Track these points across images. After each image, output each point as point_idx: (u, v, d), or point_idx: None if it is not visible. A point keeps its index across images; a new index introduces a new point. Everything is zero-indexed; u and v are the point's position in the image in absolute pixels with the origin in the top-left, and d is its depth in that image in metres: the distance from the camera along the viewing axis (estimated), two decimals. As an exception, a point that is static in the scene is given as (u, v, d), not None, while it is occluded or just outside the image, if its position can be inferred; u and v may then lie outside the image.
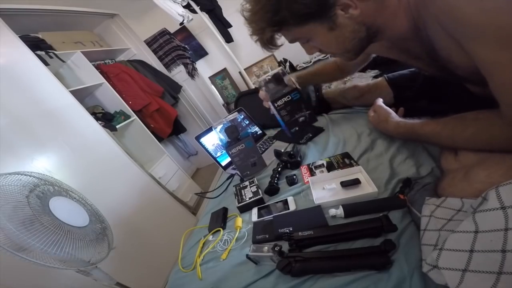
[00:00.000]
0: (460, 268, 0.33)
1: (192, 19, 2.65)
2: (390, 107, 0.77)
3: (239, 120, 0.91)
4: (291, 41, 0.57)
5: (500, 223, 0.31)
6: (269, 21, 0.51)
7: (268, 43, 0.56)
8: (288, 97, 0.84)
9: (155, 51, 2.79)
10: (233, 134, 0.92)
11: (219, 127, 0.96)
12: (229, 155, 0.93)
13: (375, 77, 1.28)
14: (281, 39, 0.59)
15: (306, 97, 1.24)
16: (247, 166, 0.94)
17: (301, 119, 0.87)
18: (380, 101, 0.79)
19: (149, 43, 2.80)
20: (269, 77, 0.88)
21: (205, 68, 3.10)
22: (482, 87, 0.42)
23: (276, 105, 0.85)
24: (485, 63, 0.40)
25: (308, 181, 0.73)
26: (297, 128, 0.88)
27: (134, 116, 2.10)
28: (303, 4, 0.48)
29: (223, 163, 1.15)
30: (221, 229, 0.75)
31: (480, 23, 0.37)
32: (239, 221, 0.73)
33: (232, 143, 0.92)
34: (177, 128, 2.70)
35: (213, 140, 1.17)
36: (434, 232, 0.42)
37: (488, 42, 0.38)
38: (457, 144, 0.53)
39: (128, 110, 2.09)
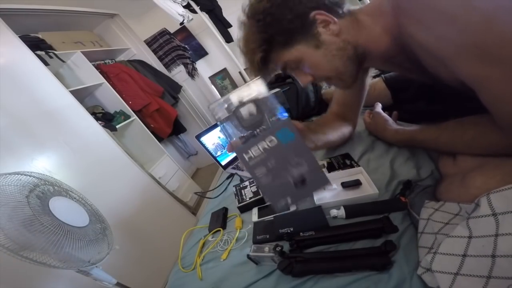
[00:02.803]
0: (452, 272, 0.33)
1: (192, 19, 2.65)
2: (389, 108, 0.77)
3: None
4: (283, 67, 0.57)
5: (491, 229, 0.32)
6: (258, 42, 0.52)
7: (261, 64, 0.55)
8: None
9: (155, 51, 2.79)
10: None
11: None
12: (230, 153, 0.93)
13: (374, 77, 1.28)
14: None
15: (305, 98, 1.25)
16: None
17: None
18: (378, 108, 0.79)
19: (149, 43, 2.80)
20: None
21: (205, 68, 3.10)
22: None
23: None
24: (471, 80, 0.40)
25: (308, 182, 0.73)
26: None
27: (134, 116, 2.10)
28: (287, 20, 0.50)
29: (223, 163, 1.15)
30: (221, 229, 0.75)
31: (458, 43, 0.37)
32: (239, 221, 0.73)
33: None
34: (177, 128, 2.70)
35: (213, 139, 1.17)
36: (430, 235, 0.42)
37: (469, 60, 0.38)
38: (457, 149, 0.53)
39: (128, 110, 2.09)
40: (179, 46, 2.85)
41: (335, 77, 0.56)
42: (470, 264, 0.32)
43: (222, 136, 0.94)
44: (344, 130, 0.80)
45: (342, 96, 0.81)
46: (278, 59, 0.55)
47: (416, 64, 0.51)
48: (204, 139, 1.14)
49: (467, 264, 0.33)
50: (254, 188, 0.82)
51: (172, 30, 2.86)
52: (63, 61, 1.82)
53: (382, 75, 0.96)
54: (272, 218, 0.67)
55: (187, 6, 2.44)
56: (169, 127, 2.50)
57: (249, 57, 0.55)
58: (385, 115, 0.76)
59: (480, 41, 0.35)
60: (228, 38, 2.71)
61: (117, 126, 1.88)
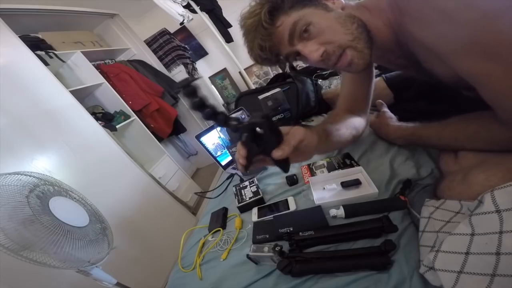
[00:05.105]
0: (455, 270, 0.33)
1: (192, 19, 2.65)
2: (390, 108, 0.77)
3: (239, 119, 0.91)
4: (291, 28, 0.52)
5: (495, 226, 0.31)
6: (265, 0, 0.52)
7: (268, 17, 0.52)
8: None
9: (155, 51, 2.79)
10: (235, 133, 0.92)
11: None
12: (230, 153, 0.94)
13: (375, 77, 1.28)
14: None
15: (305, 97, 1.25)
16: (247, 165, 0.95)
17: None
18: (385, 107, 0.79)
19: (149, 43, 2.80)
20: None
21: (205, 68, 3.10)
22: (471, 92, 0.43)
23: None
24: (470, 75, 0.41)
25: (308, 181, 0.73)
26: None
27: (134, 116, 2.10)
28: None
29: (223, 163, 1.15)
30: (221, 229, 0.75)
31: (457, 40, 0.38)
32: (239, 221, 0.73)
33: (235, 140, 0.92)
34: (177, 128, 2.69)
35: (213, 139, 1.17)
36: (432, 233, 0.42)
37: (468, 56, 0.38)
38: (459, 143, 0.53)
39: (128, 110, 2.09)
40: (179, 46, 2.85)
41: (351, 45, 0.50)
42: (473, 262, 0.32)
43: (222, 135, 0.94)
44: (357, 124, 0.75)
45: (349, 89, 0.78)
46: (286, 19, 0.52)
47: (412, 61, 0.51)
48: (204, 139, 1.14)
49: (471, 262, 0.32)
50: (254, 188, 0.82)
51: (172, 30, 2.86)
52: (63, 61, 1.82)
53: (383, 75, 0.96)
54: (272, 218, 0.67)
55: (187, 6, 2.44)
56: (169, 127, 2.50)
57: (256, 11, 0.53)
58: (390, 113, 0.76)
59: (479, 38, 0.36)
60: (228, 38, 2.70)
61: (117, 126, 1.88)
